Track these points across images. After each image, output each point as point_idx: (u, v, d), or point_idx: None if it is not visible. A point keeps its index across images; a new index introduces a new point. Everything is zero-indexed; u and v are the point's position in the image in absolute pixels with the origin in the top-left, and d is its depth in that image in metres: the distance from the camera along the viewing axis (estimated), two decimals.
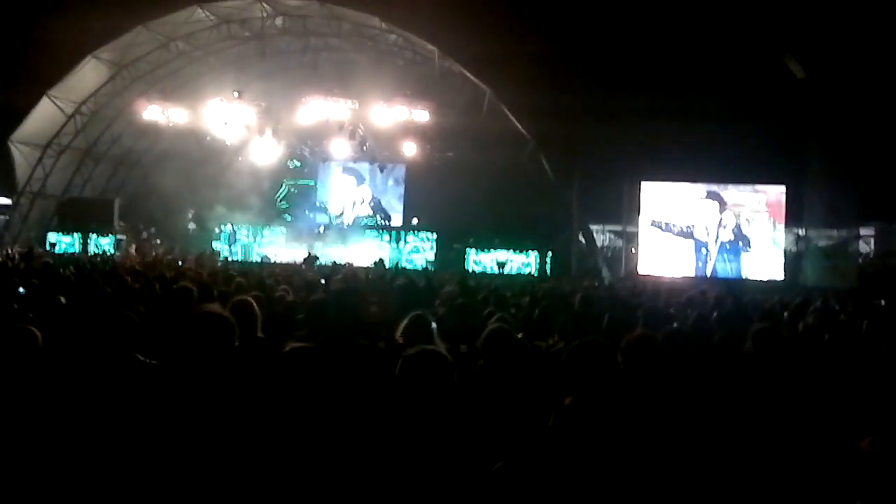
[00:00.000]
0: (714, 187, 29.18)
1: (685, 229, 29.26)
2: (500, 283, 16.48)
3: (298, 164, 34.19)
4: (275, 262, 28.06)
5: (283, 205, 34.97)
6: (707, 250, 29.07)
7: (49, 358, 4.22)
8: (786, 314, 10.28)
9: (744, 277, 27.82)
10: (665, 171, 28.63)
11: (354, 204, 35.03)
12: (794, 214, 28.67)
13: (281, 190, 35.26)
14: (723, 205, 29.07)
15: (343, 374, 4.10)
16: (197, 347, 4.07)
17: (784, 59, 26.64)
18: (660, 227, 29.41)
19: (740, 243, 28.81)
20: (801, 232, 28.99)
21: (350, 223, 34.29)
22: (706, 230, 29.10)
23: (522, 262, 29.13)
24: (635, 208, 30.03)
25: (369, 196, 34.94)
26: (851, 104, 25.45)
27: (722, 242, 28.94)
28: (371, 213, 34.90)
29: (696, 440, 4.04)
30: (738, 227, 28.84)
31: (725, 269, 28.66)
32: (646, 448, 3.39)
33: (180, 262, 22.26)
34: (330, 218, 34.80)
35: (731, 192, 29.11)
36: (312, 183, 35.67)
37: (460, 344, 5.76)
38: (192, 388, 3.89)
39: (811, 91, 26.46)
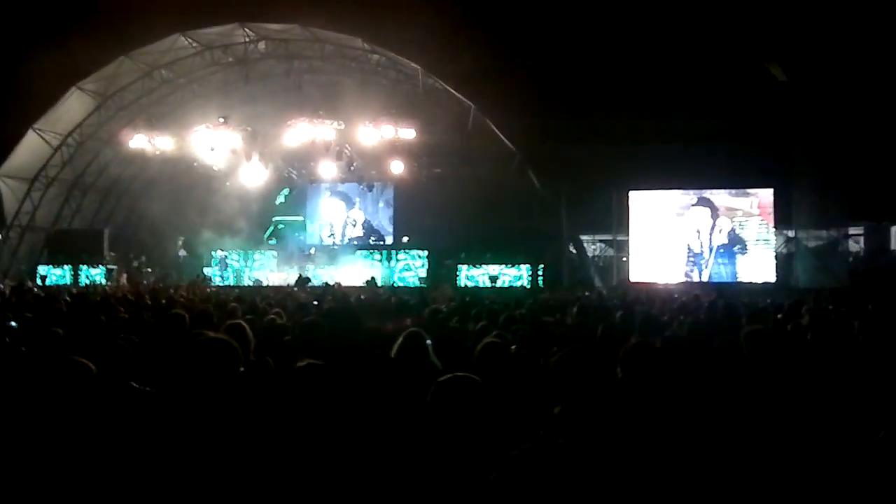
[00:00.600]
0: (705, 193, 29.26)
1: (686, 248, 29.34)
2: (495, 298, 16.48)
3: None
4: (267, 286, 27.99)
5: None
6: (701, 256, 29.12)
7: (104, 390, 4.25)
8: (779, 315, 10.33)
9: (738, 281, 27.89)
10: (652, 179, 28.73)
11: (346, 226, 34.95)
12: (783, 216, 28.77)
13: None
14: (714, 210, 29.14)
15: (355, 391, 4.12)
16: (202, 373, 4.08)
17: (765, 64, 26.83)
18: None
19: (735, 247, 28.86)
20: (791, 234, 29.14)
21: (341, 244, 34.22)
22: (699, 236, 29.16)
23: (514, 276, 29.10)
24: (624, 217, 30.10)
25: (361, 218, 34.87)
26: (834, 105, 25.60)
27: (716, 247, 28.99)
28: (363, 234, 34.82)
29: (693, 446, 4.03)
30: (732, 231, 28.89)
31: (720, 274, 28.72)
32: (639, 455, 3.39)
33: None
34: (321, 239, 34.74)
35: (723, 197, 29.18)
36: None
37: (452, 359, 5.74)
38: (197, 413, 3.89)
39: (794, 94, 26.64)
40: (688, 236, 29.29)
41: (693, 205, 29.36)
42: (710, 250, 29.07)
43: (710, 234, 29.06)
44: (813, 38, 24.92)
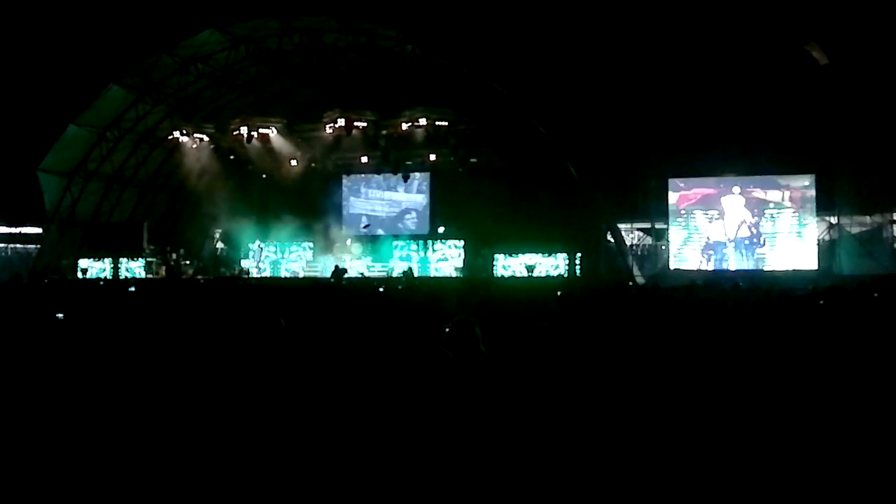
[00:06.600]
0: (742, 180, 28.84)
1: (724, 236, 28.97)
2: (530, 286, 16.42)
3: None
4: (302, 277, 28.12)
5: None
6: (740, 244, 28.72)
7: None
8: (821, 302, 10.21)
9: (775, 269, 27.46)
10: (691, 166, 28.36)
11: (382, 216, 34.85)
12: (825, 203, 28.25)
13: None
14: (751, 198, 28.73)
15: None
16: None
17: (806, 47, 26.34)
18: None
19: (770, 236, 28.43)
20: (833, 220, 28.58)
21: (377, 234, 34.18)
22: (735, 224, 28.78)
23: (551, 265, 28.93)
24: (663, 204, 29.72)
25: (398, 209, 34.71)
26: (877, 88, 25.07)
27: (754, 236, 28.57)
28: (400, 224, 34.72)
29: None
30: (769, 218, 28.48)
31: (758, 262, 28.33)
32: None
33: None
34: (358, 230, 34.71)
35: (760, 185, 28.75)
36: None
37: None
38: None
39: (836, 77, 26.12)
40: (726, 224, 28.90)
41: (730, 193, 28.95)
42: (748, 239, 28.64)
43: (748, 223, 28.63)
44: (855, 19, 24.43)
